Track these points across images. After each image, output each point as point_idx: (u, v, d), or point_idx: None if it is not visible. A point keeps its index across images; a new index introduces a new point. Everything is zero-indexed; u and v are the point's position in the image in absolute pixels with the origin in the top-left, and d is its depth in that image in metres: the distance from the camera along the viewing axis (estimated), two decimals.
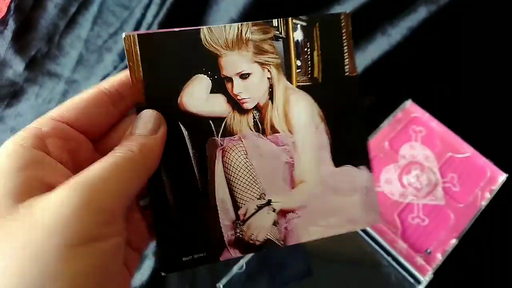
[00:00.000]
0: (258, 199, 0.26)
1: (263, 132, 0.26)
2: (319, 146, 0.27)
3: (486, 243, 0.47)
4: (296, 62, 0.26)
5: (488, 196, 0.47)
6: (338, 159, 0.27)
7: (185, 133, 0.24)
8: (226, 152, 0.25)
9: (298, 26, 0.26)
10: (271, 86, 0.26)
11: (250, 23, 0.25)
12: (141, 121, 0.22)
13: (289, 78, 0.26)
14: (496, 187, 0.47)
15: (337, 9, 0.58)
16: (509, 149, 0.51)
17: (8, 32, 0.57)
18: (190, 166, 0.25)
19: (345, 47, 0.27)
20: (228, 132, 0.25)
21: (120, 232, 0.19)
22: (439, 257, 0.44)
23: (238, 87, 0.25)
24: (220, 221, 0.25)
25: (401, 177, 0.49)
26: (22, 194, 0.17)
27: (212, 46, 0.25)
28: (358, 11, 0.57)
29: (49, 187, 0.18)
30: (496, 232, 0.47)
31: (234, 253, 0.25)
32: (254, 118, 0.26)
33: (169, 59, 0.24)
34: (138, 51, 0.23)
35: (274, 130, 0.26)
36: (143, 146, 0.20)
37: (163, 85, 0.24)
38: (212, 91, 0.25)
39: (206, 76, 0.25)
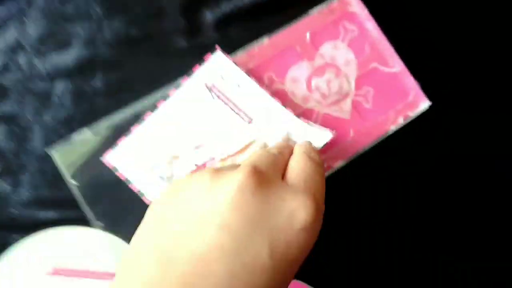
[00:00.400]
0: None
1: None
2: None
3: (379, 169, 0.40)
4: None
5: (401, 121, 0.40)
6: None
7: None
8: None
9: None
10: None
11: None
12: None
13: None
14: (413, 113, 0.40)
15: None
16: (444, 76, 0.43)
17: None
18: None
19: None
20: None
21: None
22: None
23: None
24: None
25: (311, 78, 0.40)
26: None
27: None
28: None
29: None
30: (393, 162, 0.41)
31: None
32: None
33: None
34: None
35: None
36: None
37: None
38: None
39: None
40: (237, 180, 0.21)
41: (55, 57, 0.38)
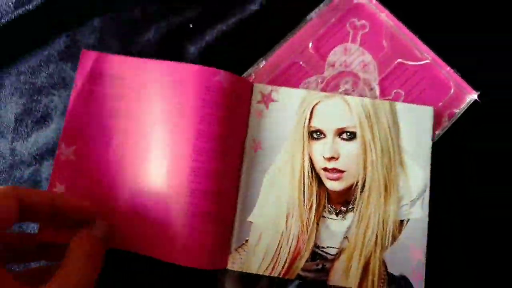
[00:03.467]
0: None
1: None
2: None
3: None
4: None
5: (445, 122, 0.32)
6: None
7: None
8: None
9: None
10: None
11: None
12: None
13: None
14: (460, 110, 0.32)
15: None
16: (486, 60, 0.35)
17: None
18: None
19: None
20: None
21: None
22: None
23: None
24: None
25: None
26: None
27: None
28: None
29: None
30: (441, 172, 0.33)
31: None
32: None
33: None
34: None
35: None
36: None
37: None
38: None
39: None
40: None
41: (37, 136, 0.34)
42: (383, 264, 0.29)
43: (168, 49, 0.35)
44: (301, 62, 0.34)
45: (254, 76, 0.34)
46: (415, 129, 0.31)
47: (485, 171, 0.33)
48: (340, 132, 0.30)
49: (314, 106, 0.31)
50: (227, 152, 0.30)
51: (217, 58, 0.35)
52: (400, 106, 0.31)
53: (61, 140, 0.31)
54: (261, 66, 0.34)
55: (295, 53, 0.34)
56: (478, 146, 0.33)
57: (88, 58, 0.32)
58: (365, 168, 0.29)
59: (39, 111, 0.34)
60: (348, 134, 0.30)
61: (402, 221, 0.29)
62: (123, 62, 0.32)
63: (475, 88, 0.32)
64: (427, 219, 0.29)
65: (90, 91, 0.31)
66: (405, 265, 0.29)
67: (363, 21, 0.35)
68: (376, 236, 0.29)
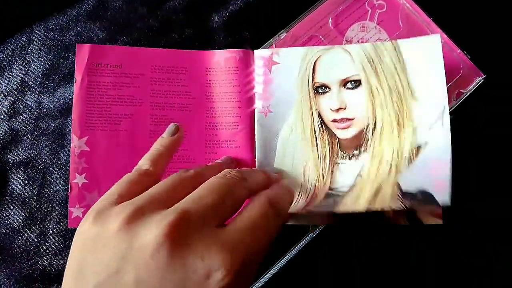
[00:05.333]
0: None
1: None
2: None
3: None
4: None
5: (453, 100, 0.34)
6: None
7: None
8: None
9: None
10: None
11: None
12: None
13: None
14: (467, 90, 0.34)
15: None
16: (495, 45, 0.37)
17: None
18: None
19: None
20: None
21: None
22: None
23: None
24: None
25: None
26: None
27: None
28: None
29: None
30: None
31: None
32: None
33: None
34: None
35: None
36: None
37: None
38: None
39: None
40: (155, 237, 0.19)
41: (63, 91, 0.36)
42: (397, 185, 0.29)
43: (193, 17, 0.37)
44: (320, 36, 0.36)
45: (275, 46, 0.35)
46: (425, 59, 0.30)
47: (487, 144, 0.35)
48: (344, 83, 0.30)
49: (315, 62, 0.32)
50: (237, 123, 0.33)
51: (240, 27, 0.37)
52: (403, 42, 0.31)
53: (72, 133, 0.32)
54: (282, 38, 0.36)
55: (315, 27, 0.36)
56: (482, 123, 0.35)
57: (84, 51, 0.34)
58: (374, 110, 0.30)
59: (66, 67, 0.36)
60: (353, 83, 0.30)
61: (419, 147, 0.29)
62: (118, 51, 0.34)
63: (483, 71, 0.34)
64: (449, 134, 0.29)
65: (90, 82, 0.33)
66: (425, 181, 0.29)
67: (380, 1, 0.36)
68: (391, 165, 0.30)
